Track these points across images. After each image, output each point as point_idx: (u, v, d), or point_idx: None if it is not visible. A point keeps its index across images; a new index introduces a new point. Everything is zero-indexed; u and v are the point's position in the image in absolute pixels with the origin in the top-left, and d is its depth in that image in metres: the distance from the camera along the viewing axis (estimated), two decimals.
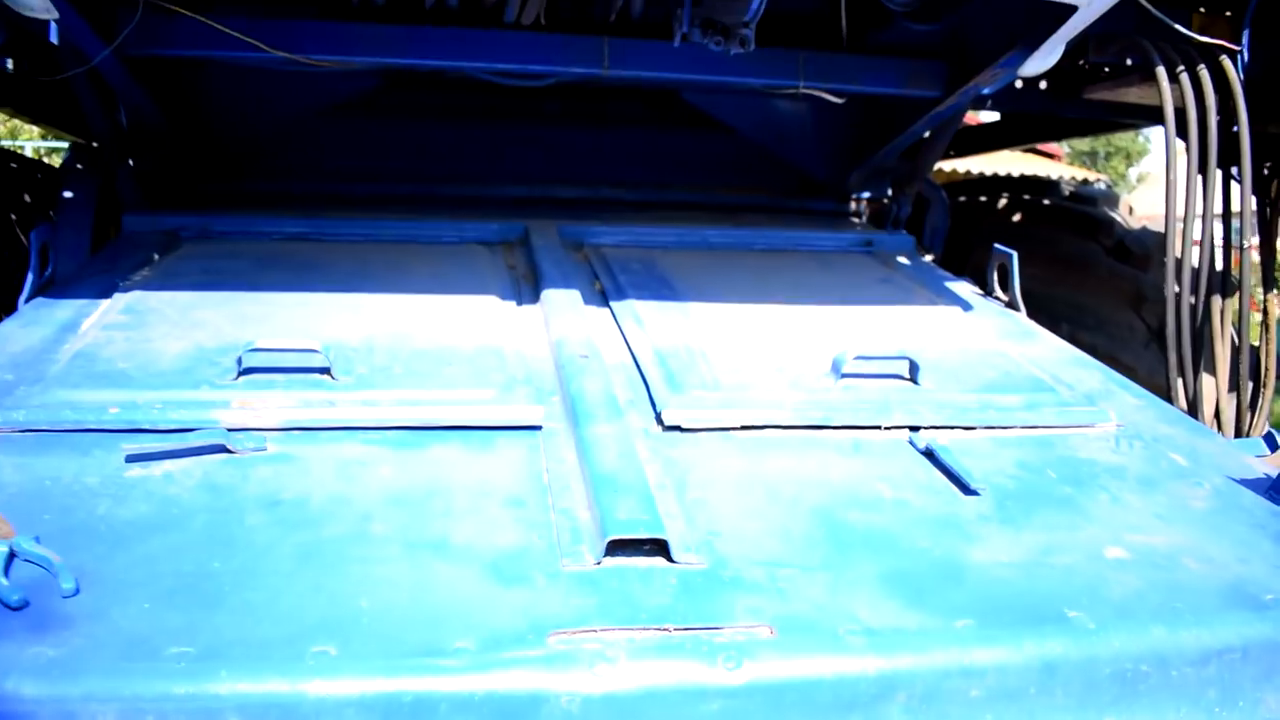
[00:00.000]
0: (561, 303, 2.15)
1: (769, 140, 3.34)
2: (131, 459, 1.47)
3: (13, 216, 3.39)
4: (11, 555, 1.22)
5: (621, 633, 1.14)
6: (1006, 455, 1.68)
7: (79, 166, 2.81)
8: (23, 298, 2.14)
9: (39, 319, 2.01)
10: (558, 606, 1.18)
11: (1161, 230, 2.67)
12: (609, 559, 1.27)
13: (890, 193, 3.30)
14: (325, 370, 1.71)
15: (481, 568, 1.26)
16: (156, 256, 2.41)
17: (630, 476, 1.43)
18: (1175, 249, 2.46)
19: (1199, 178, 2.45)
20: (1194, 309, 2.45)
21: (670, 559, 1.28)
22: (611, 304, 2.22)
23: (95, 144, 2.91)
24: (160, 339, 1.88)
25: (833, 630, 1.18)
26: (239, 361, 1.71)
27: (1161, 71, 2.41)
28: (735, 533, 1.37)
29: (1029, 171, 5.99)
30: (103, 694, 1.03)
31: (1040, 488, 1.59)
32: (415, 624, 1.14)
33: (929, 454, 1.63)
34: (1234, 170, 2.49)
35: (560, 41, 2.55)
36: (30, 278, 2.16)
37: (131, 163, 2.78)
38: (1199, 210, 2.45)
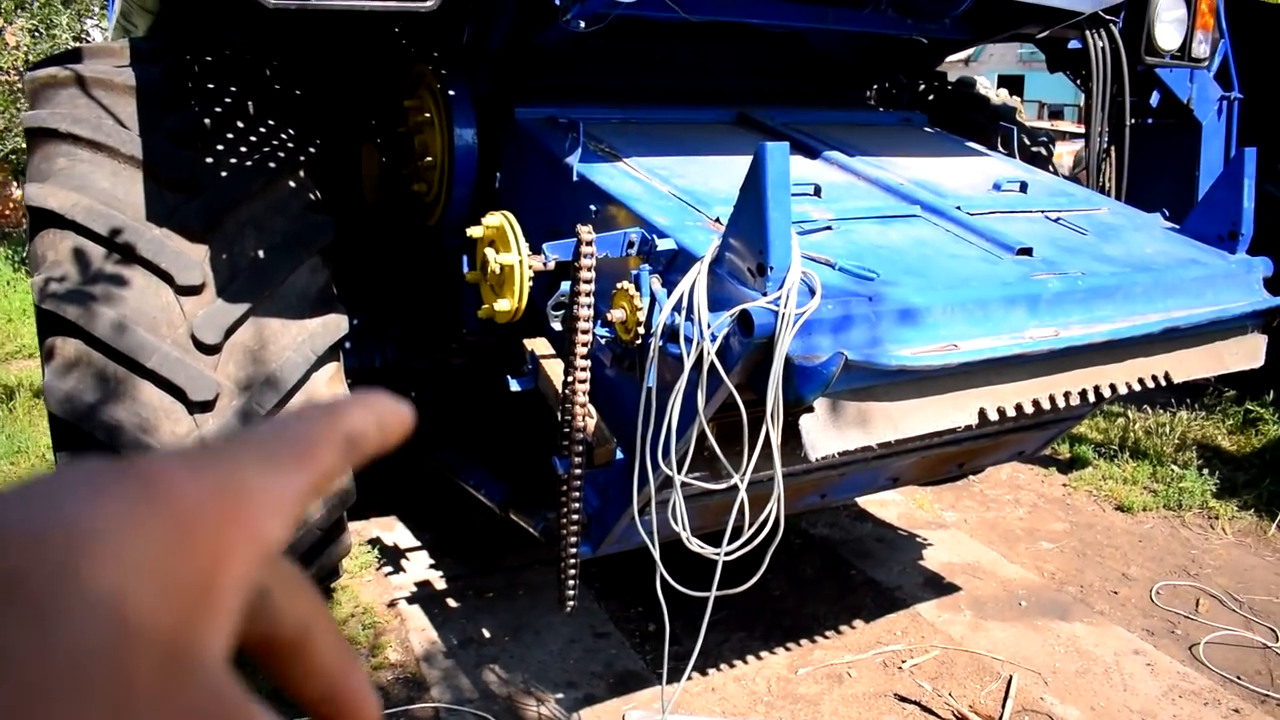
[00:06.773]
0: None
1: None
2: (803, 232, 3.30)
3: None
4: (837, 268, 3.07)
5: (1050, 276, 3.27)
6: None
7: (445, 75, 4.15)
8: None
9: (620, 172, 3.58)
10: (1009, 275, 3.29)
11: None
12: (1020, 256, 3.37)
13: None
14: (818, 190, 3.58)
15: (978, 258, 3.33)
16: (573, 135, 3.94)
17: (982, 227, 3.54)
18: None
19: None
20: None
21: (1031, 255, 3.41)
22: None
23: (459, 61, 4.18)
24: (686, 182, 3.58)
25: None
26: None
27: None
28: None
29: None
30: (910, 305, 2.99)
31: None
32: (959, 279, 3.19)
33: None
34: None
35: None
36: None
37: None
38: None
